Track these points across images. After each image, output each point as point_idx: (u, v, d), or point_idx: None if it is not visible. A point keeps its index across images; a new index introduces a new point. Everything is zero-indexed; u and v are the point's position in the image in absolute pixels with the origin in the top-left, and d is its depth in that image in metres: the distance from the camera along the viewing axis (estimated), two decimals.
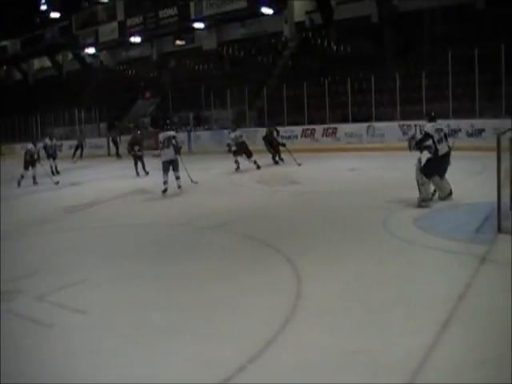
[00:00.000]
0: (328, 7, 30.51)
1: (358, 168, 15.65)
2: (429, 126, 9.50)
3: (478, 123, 19.14)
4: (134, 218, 10.72)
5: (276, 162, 18.31)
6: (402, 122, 21.75)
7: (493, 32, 22.04)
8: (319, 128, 24.27)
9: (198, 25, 34.49)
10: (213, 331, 4.84)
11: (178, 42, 38.84)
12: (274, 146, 18.32)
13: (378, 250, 7.17)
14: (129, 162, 18.50)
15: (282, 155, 18.31)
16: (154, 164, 16.32)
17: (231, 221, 9.56)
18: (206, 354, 4.36)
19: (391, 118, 22.46)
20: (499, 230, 7.36)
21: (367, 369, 3.99)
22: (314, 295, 5.54)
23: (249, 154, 17.15)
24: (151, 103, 36.11)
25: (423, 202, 9.27)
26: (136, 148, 17.53)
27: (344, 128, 23.41)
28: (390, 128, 21.96)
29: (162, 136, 13.48)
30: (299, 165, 16.77)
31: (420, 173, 9.25)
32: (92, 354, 4.55)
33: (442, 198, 9.54)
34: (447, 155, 9.40)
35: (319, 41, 30.52)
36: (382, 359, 4.12)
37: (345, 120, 23.92)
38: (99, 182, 17.66)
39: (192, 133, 28.46)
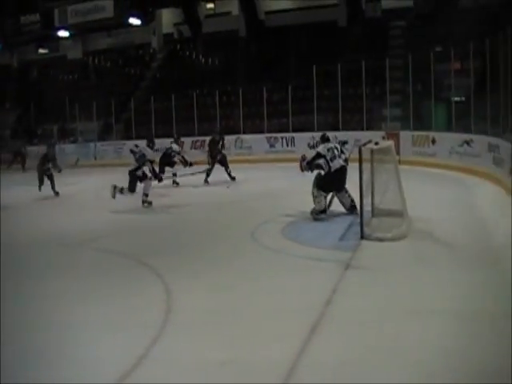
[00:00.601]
0: (196, 20, 30.71)
1: (227, 180, 15.72)
2: (321, 147, 9.77)
3: (341, 135, 19.91)
4: None
5: (206, 181, 15.84)
6: (268, 135, 22.32)
7: (354, 49, 23.22)
8: (187, 140, 24.16)
9: (63, 33, 33.30)
10: (82, 352, 4.63)
11: (41, 51, 37.31)
12: (212, 157, 16.06)
13: (246, 260, 7.22)
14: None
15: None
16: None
17: (96, 237, 9.18)
18: (77, 377, 4.18)
19: (258, 131, 22.92)
20: (362, 236, 7.71)
21: (239, 377, 3.99)
22: (183, 309, 5.47)
23: (171, 165, 15.93)
24: (12, 115, 34.38)
25: (318, 214, 9.44)
26: (49, 165, 15.12)
27: None
28: (257, 140, 22.46)
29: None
30: (227, 187, 15.23)
31: (315, 186, 9.46)
32: None
33: (347, 210, 9.73)
34: (341, 170, 9.59)
35: (187, 53, 30.65)
36: (253, 367, 4.14)
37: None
38: None
39: (56, 146, 27.32)
